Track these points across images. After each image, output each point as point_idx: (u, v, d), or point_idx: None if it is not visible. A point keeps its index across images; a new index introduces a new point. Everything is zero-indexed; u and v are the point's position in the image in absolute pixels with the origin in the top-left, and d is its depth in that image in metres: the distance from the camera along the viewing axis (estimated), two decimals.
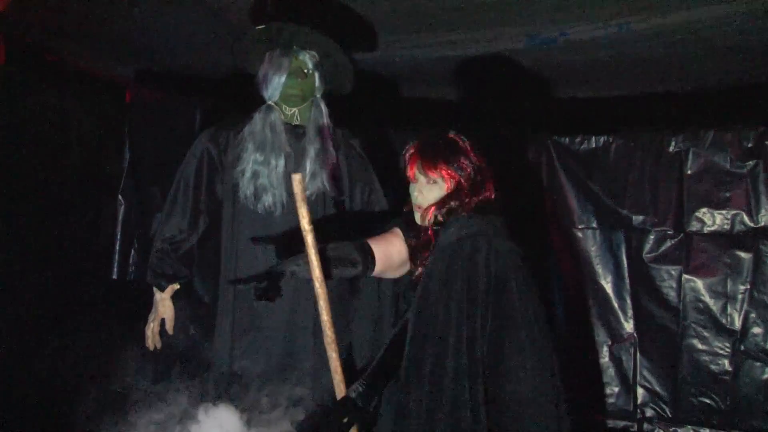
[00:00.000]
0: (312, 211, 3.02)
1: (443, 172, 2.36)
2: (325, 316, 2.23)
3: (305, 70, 3.04)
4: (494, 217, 2.38)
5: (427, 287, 2.26)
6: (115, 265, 3.98)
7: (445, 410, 2.11)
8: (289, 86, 3.02)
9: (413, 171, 2.40)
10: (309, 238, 2.17)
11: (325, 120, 3.08)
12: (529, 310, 2.22)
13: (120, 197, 4.02)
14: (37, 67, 3.65)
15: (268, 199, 2.97)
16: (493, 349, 2.16)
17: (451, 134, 2.47)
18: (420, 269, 2.43)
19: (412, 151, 2.43)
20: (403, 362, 2.25)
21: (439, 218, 2.37)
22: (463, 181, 2.37)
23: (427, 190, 2.39)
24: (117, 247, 3.99)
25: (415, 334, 2.24)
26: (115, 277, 3.96)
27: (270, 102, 3.05)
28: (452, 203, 2.37)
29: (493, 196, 2.43)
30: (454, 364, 2.13)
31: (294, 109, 3.08)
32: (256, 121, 3.02)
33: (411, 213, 2.51)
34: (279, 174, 2.98)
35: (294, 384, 2.94)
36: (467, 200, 2.37)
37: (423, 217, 2.41)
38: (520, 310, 2.21)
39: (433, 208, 2.38)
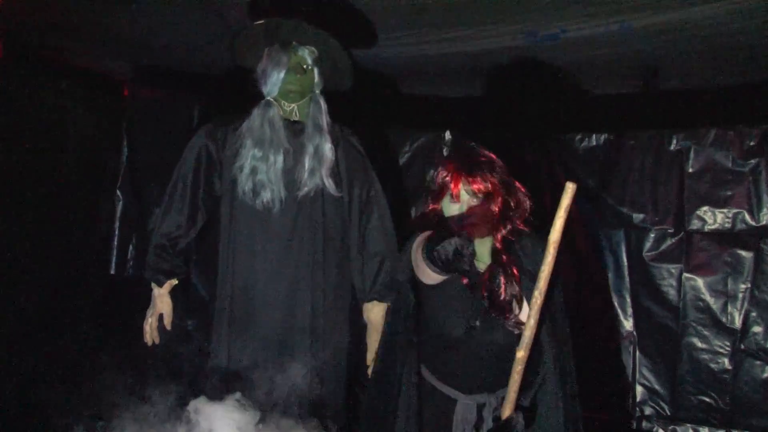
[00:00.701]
0: (310, 208, 3.05)
1: (491, 187, 2.28)
2: (530, 332, 2.05)
3: (304, 66, 3.03)
4: None
5: (550, 302, 2.29)
6: (114, 260, 3.97)
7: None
8: (288, 82, 3.02)
9: (458, 189, 2.28)
10: (552, 250, 1.97)
11: (324, 116, 3.07)
12: None
13: (118, 193, 4.02)
14: (34, 63, 3.64)
15: (266, 195, 2.96)
16: None
17: (475, 145, 2.40)
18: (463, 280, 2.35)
19: (451, 169, 2.32)
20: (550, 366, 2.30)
21: (510, 237, 2.31)
22: (505, 193, 2.31)
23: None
24: (115, 243, 3.99)
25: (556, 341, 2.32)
26: (113, 272, 3.96)
27: (269, 98, 3.04)
28: (507, 217, 2.31)
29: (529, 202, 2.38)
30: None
31: (293, 105, 3.07)
32: (255, 117, 3.01)
33: (424, 226, 2.39)
34: (278, 170, 2.97)
35: (291, 381, 2.93)
36: (518, 212, 2.34)
37: (478, 235, 2.27)
38: None
39: (499, 228, 2.29)
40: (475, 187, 2.27)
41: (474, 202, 2.28)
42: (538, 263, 2.06)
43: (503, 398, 2.23)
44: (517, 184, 2.36)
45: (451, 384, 2.42)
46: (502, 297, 2.28)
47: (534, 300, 2.01)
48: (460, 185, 2.29)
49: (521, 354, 2.07)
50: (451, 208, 2.32)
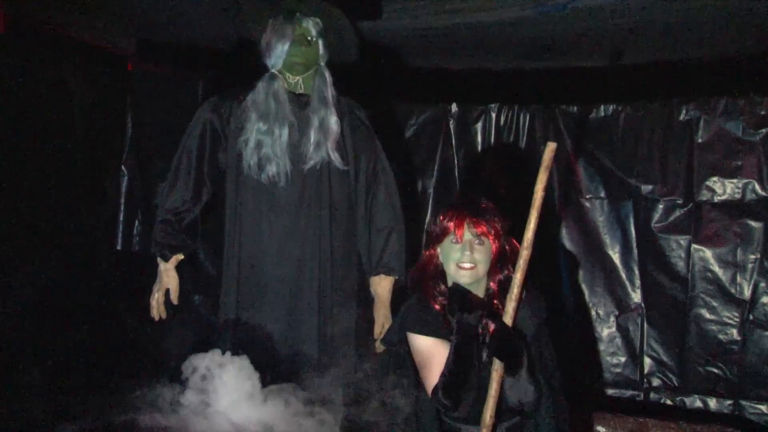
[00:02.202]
0: (316, 181, 3.04)
1: (493, 232, 2.43)
2: (520, 276, 2.28)
3: (309, 38, 3.01)
4: None
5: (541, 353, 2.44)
6: (120, 236, 3.98)
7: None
8: (293, 54, 3.00)
9: (462, 230, 2.43)
10: (538, 200, 2.24)
11: (330, 89, 3.06)
12: None
13: (123, 168, 4.01)
14: (37, 38, 3.61)
15: (272, 169, 2.95)
16: None
17: (478, 195, 2.55)
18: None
19: (455, 212, 2.46)
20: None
21: (501, 280, 2.46)
22: (503, 241, 2.47)
23: (477, 251, 2.42)
24: (121, 218, 3.99)
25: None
26: (119, 248, 3.96)
27: (273, 70, 3.02)
28: (505, 263, 2.47)
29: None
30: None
31: (298, 78, 3.06)
32: (260, 90, 3.00)
33: (423, 274, 2.54)
34: (283, 144, 2.96)
35: (299, 355, 2.94)
36: (510, 259, 2.45)
37: (475, 275, 2.44)
38: None
39: (496, 272, 2.47)
40: (479, 229, 2.42)
41: (477, 246, 2.42)
42: (524, 317, 2.38)
43: (507, 428, 2.43)
44: (513, 239, 2.50)
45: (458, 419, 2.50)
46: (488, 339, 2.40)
47: (521, 254, 2.26)
48: (464, 227, 2.43)
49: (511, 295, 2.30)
50: (453, 249, 2.44)
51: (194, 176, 3.05)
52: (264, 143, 2.95)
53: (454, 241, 2.43)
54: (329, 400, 2.61)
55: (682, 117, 3.94)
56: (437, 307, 2.49)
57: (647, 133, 4.02)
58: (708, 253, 3.90)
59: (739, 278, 3.84)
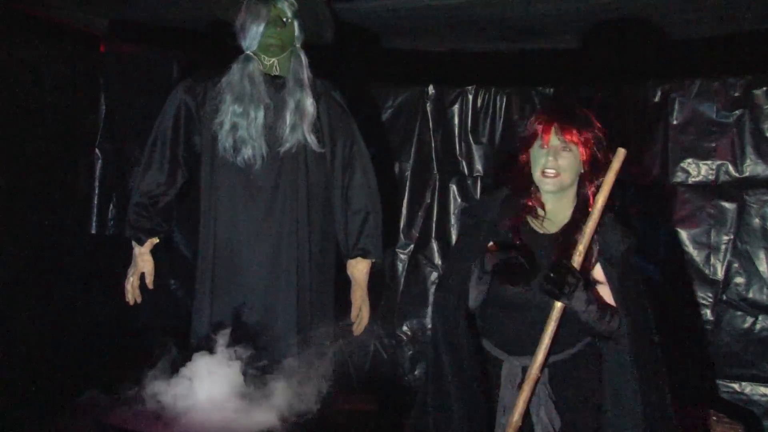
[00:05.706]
0: (292, 164, 3.02)
1: (583, 139, 2.32)
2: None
3: (284, 19, 3.00)
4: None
5: (628, 289, 2.36)
6: (94, 219, 3.94)
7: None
8: (268, 35, 2.98)
9: (549, 136, 2.32)
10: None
11: (305, 70, 3.05)
12: None
13: (97, 151, 3.97)
14: (6, 17, 3.54)
15: (247, 152, 2.94)
16: None
17: (572, 103, 2.47)
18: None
19: (544, 116, 2.37)
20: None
21: (591, 190, 2.36)
22: (596, 150, 2.35)
23: (563, 157, 2.32)
24: (95, 202, 3.95)
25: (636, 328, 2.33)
26: (93, 231, 3.93)
27: (248, 52, 3.00)
28: (596, 173, 2.35)
29: None
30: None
31: (273, 60, 3.04)
32: (234, 71, 2.98)
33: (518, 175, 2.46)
34: (258, 126, 2.95)
35: (275, 339, 2.94)
36: (600, 172, 2.34)
37: (559, 184, 2.35)
38: None
39: (587, 181, 2.37)
40: (567, 136, 2.31)
41: (564, 152, 2.33)
42: (611, 247, 2.36)
43: (553, 362, 2.34)
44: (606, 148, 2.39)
45: (501, 347, 2.43)
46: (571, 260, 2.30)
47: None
48: (552, 132, 2.32)
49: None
50: (539, 153, 2.35)
51: (169, 159, 3.04)
52: (239, 125, 2.94)
53: (540, 145, 2.34)
54: (306, 380, 2.61)
55: (657, 98, 3.95)
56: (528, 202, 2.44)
57: (624, 114, 4.03)
58: (683, 235, 3.92)
59: (712, 259, 3.87)
